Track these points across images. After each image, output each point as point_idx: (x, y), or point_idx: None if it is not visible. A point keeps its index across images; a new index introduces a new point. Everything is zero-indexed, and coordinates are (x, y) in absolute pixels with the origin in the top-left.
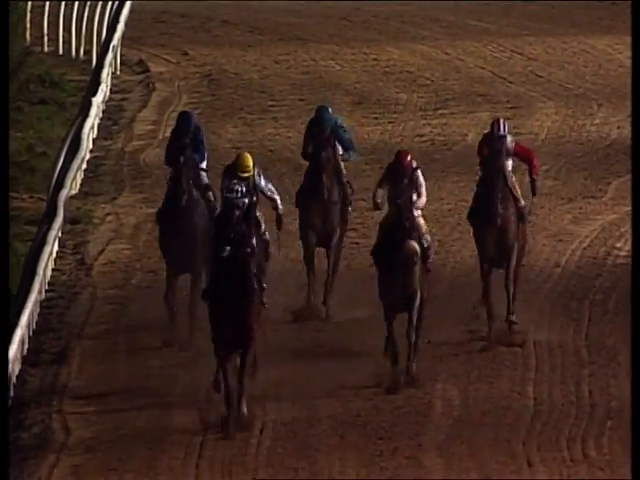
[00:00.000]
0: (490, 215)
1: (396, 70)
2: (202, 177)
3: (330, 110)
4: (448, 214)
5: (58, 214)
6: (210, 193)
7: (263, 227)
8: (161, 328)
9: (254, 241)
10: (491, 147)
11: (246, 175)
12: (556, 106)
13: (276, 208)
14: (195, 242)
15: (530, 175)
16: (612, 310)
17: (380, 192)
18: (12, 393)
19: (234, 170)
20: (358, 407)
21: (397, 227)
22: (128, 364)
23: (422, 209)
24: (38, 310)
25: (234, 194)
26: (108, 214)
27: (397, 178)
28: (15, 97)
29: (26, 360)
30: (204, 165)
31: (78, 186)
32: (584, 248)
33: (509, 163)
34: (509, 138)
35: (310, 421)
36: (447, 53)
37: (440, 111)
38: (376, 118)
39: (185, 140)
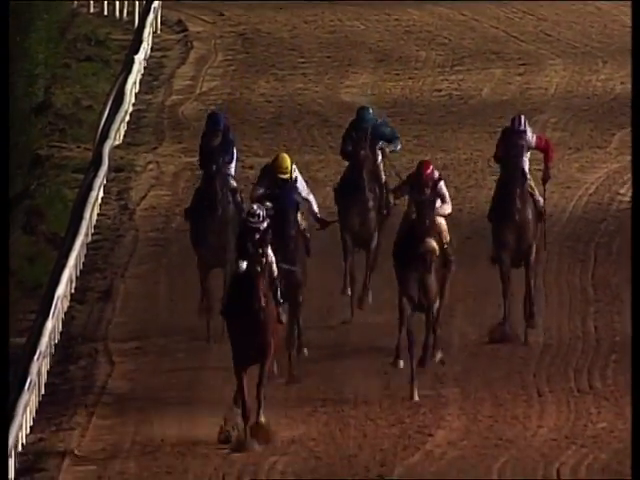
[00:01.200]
0: (509, 213)
1: (416, 30)
2: (230, 180)
3: (370, 110)
4: (464, 163)
5: (103, 163)
6: (237, 195)
7: (303, 225)
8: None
9: (269, 259)
10: (510, 142)
11: (285, 177)
12: (564, 63)
13: (312, 210)
14: (225, 239)
15: (545, 163)
16: (616, 252)
17: (399, 194)
18: (61, 328)
19: (273, 171)
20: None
21: (416, 226)
22: (168, 302)
23: (446, 216)
24: (85, 251)
25: (255, 218)
26: (149, 163)
27: (419, 189)
28: (63, 55)
29: (74, 298)
30: (233, 166)
31: (122, 137)
32: (590, 194)
33: (527, 160)
34: (529, 132)
35: (336, 347)
36: (463, 14)
37: (456, 67)
38: (397, 74)
39: (215, 142)
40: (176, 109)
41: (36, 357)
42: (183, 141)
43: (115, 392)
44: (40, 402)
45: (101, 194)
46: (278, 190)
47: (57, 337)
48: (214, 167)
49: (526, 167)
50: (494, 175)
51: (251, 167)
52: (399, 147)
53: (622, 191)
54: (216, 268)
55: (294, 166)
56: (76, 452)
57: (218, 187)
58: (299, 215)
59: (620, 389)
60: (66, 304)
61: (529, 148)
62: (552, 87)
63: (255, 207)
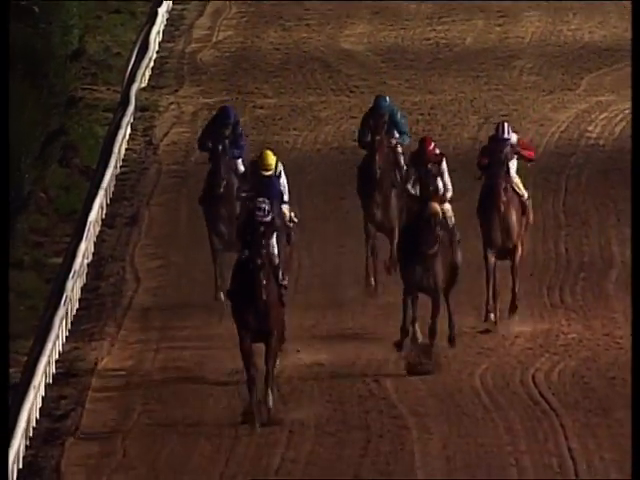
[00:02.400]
0: (495, 206)
1: None
2: (238, 166)
3: (387, 99)
4: (449, 103)
5: (130, 103)
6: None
7: (288, 216)
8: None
9: (271, 249)
10: (496, 149)
11: (268, 173)
12: (539, 15)
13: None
14: (234, 224)
15: (525, 159)
16: (585, 182)
17: (411, 181)
18: (93, 250)
19: (257, 166)
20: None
21: (421, 192)
22: (188, 227)
23: (449, 200)
24: (114, 182)
25: (261, 212)
26: (171, 103)
27: (422, 163)
28: (95, 7)
29: (104, 223)
30: (240, 161)
31: (146, 80)
32: (561, 131)
33: (514, 162)
34: (514, 138)
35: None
36: None
37: (443, 19)
38: (391, 25)
39: (225, 131)
40: (195, 56)
41: (71, 275)
42: (201, 84)
43: (140, 306)
44: (74, 315)
45: (128, 131)
46: (262, 185)
47: (89, 258)
48: (220, 148)
49: (513, 170)
50: (476, 114)
51: (261, 107)
52: (407, 141)
53: (590, 128)
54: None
55: (279, 163)
56: (105, 360)
57: (224, 172)
58: (285, 206)
59: (588, 304)
60: (97, 228)
61: (515, 152)
62: (528, 36)
63: (261, 200)
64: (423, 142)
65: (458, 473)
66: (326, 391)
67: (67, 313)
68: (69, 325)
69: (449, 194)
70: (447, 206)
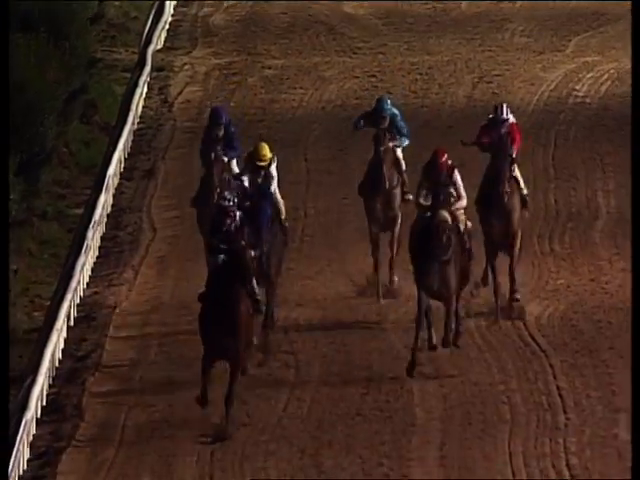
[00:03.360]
0: (498, 199)
1: None
2: (233, 167)
3: (389, 101)
4: (446, 64)
5: (147, 64)
6: (244, 177)
7: (284, 215)
8: None
9: (246, 253)
10: (495, 131)
11: (263, 164)
12: None
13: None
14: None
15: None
16: (572, 137)
17: (423, 193)
18: (112, 201)
19: (252, 158)
20: None
21: (432, 201)
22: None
23: (463, 209)
24: (132, 138)
25: (225, 202)
26: (185, 64)
27: (435, 174)
28: None
29: (123, 176)
30: (235, 162)
31: (162, 42)
32: (551, 90)
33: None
34: (511, 119)
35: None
36: None
37: None
38: None
39: (217, 133)
40: (207, 19)
41: (91, 225)
42: (213, 46)
43: (157, 254)
44: (94, 263)
45: (145, 90)
46: (258, 178)
47: (109, 209)
48: (212, 155)
49: (513, 153)
50: (471, 74)
51: (269, 67)
52: (406, 143)
53: (577, 87)
54: None
55: (275, 158)
56: (124, 304)
57: (217, 179)
58: (280, 202)
59: (576, 251)
60: (116, 181)
61: (510, 136)
62: (519, 1)
63: (226, 192)
64: (436, 154)
65: (454, 410)
66: (330, 334)
67: (87, 260)
68: (89, 271)
69: (463, 202)
70: (460, 212)
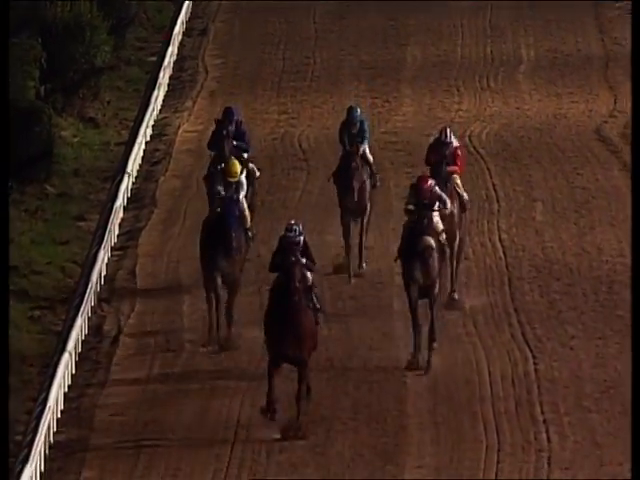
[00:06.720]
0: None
1: None
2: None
3: (358, 110)
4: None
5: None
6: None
7: (249, 223)
8: None
9: (306, 273)
10: (438, 152)
11: (233, 180)
12: None
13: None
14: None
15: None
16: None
17: (412, 202)
18: (176, 52)
19: (223, 175)
20: None
21: (416, 226)
22: (241, 39)
23: (445, 213)
24: (191, 5)
25: (292, 233)
26: None
27: (419, 197)
28: None
29: (184, 33)
30: (246, 154)
31: None
32: None
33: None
34: (455, 143)
35: None
36: None
37: None
38: None
39: (229, 128)
40: None
41: (162, 69)
42: None
43: (208, 90)
44: (164, 95)
45: None
46: (229, 191)
47: (174, 57)
48: (225, 146)
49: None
50: None
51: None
52: (366, 145)
53: None
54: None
55: (243, 172)
56: (185, 125)
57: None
58: (246, 212)
59: (505, 88)
60: (180, 37)
61: (452, 154)
62: None
63: (292, 223)
64: (420, 180)
65: None
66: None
67: (159, 94)
68: (161, 102)
69: (448, 206)
70: (438, 220)
